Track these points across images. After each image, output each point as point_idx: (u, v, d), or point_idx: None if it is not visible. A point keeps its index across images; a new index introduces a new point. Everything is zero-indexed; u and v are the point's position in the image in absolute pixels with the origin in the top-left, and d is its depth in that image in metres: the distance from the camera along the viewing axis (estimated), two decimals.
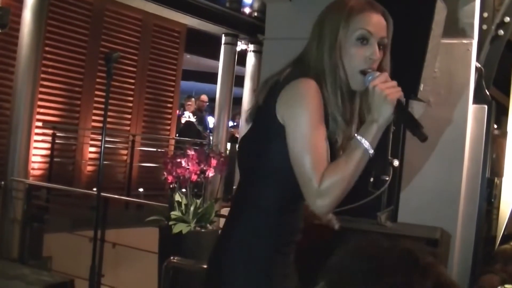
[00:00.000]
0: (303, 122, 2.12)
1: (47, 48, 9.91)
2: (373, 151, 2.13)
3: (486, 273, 3.95)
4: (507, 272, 4.32)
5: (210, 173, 5.27)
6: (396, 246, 1.09)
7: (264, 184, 2.28)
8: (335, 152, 2.22)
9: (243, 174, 2.38)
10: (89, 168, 11.06)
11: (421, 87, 3.39)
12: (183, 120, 13.63)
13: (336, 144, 2.25)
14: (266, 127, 2.25)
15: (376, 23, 2.24)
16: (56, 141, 10.24)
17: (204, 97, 14.04)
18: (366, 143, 2.11)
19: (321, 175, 2.07)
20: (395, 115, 2.12)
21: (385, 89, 2.09)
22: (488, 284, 3.84)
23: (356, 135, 2.15)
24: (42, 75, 9.74)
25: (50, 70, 10.15)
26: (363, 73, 2.20)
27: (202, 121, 13.64)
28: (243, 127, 9.54)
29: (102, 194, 5.81)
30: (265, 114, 2.25)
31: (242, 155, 2.41)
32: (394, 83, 2.13)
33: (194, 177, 5.14)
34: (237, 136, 13.85)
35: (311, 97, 2.15)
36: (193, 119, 13.52)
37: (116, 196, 8.14)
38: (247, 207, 2.31)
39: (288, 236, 2.31)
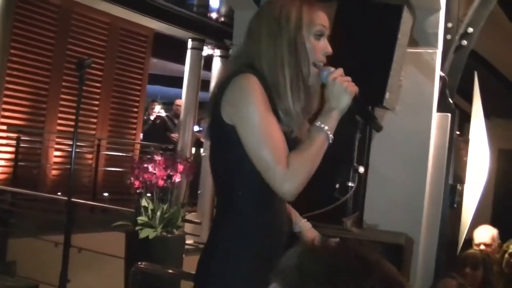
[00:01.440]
0: (252, 116, 2.18)
1: (13, 51, 9.81)
2: (332, 136, 2.25)
3: (446, 277, 4.02)
4: (475, 276, 4.41)
5: (177, 178, 5.28)
6: (343, 247, 1.15)
7: (234, 188, 2.30)
8: (291, 144, 2.26)
9: (216, 184, 2.41)
10: (54, 172, 10.97)
11: (387, 95, 3.45)
12: (152, 117, 13.57)
13: (291, 135, 2.30)
14: (219, 133, 2.30)
15: (325, 19, 2.37)
16: (21, 144, 10.14)
17: (179, 101, 14.03)
18: (326, 128, 2.23)
19: (286, 160, 2.15)
20: (350, 106, 2.28)
21: (345, 82, 2.25)
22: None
23: (316, 122, 2.26)
24: (8, 78, 9.65)
25: (15, 73, 10.04)
26: (316, 67, 2.33)
27: (175, 126, 13.58)
28: None
29: (65, 198, 5.78)
30: (215, 124, 2.29)
31: (212, 169, 2.42)
32: (348, 78, 2.29)
33: (161, 182, 5.16)
34: (203, 140, 13.83)
35: (253, 91, 2.20)
36: (168, 121, 13.50)
37: (84, 201, 8.11)
38: (225, 213, 2.33)
39: (270, 239, 2.32)
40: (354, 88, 2.27)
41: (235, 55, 2.44)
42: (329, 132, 2.24)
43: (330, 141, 2.25)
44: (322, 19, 2.34)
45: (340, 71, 2.29)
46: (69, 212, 5.42)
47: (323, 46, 2.34)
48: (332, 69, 2.30)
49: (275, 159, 2.15)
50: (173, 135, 13.19)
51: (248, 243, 2.30)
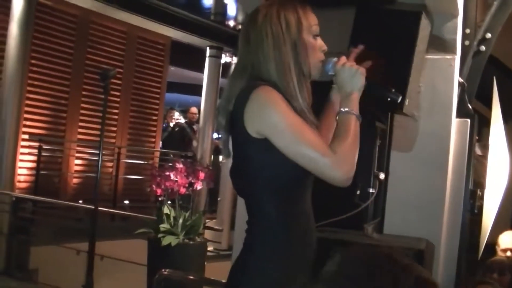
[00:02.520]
0: (281, 122, 2.23)
1: (33, 61, 9.92)
2: (360, 116, 2.37)
3: (482, 283, 4.02)
4: (502, 282, 4.41)
5: (198, 186, 5.32)
6: (378, 253, 1.20)
7: (266, 199, 2.34)
8: None
9: (246, 200, 2.45)
10: (75, 180, 11.06)
11: (407, 101, 3.47)
12: (172, 123, 13.64)
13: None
14: (245, 151, 2.34)
15: (316, 18, 2.49)
16: (42, 153, 10.23)
17: (193, 109, 14.07)
18: (353, 111, 2.35)
19: (329, 149, 2.22)
20: (367, 88, 2.45)
21: (353, 65, 2.41)
22: None
23: (340, 109, 2.38)
24: (28, 88, 9.77)
25: (36, 82, 10.16)
26: (323, 62, 2.47)
27: (194, 132, 13.63)
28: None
29: (90, 206, 5.83)
30: (237, 140, 2.36)
31: (237, 186, 2.49)
32: (353, 61, 2.46)
33: (182, 190, 5.20)
34: (221, 147, 13.86)
35: (274, 100, 2.26)
36: (187, 128, 13.57)
37: (107, 210, 8.15)
38: (254, 225, 2.38)
39: (300, 257, 2.38)
40: (362, 69, 2.42)
41: (240, 67, 2.46)
42: (356, 112, 2.35)
43: (360, 120, 2.37)
44: (315, 20, 2.47)
45: (344, 58, 2.45)
46: (94, 220, 5.47)
47: (321, 44, 2.47)
48: (334, 59, 2.45)
49: (320, 152, 2.21)
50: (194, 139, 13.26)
51: (279, 259, 2.34)
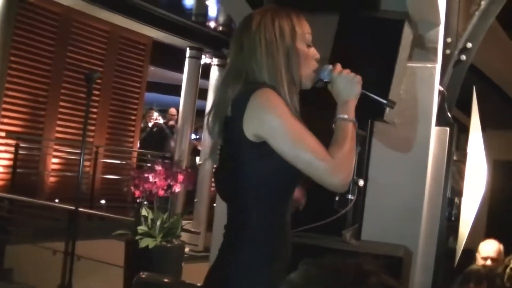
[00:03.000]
0: (281, 125, 2.24)
1: (13, 58, 9.85)
2: (357, 122, 2.42)
3: None
4: None
5: (177, 188, 5.31)
6: (344, 258, 1.23)
7: (250, 206, 2.34)
8: None
9: (229, 203, 2.44)
10: (52, 179, 10.99)
11: (387, 109, 3.48)
12: (150, 124, 13.61)
13: None
14: (240, 155, 2.32)
15: (309, 27, 2.51)
16: (20, 151, 10.15)
17: (172, 110, 14.05)
18: (350, 117, 2.40)
19: (328, 154, 2.23)
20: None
21: (350, 73, 2.47)
22: None
23: (337, 116, 2.41)
24: (7, 85, 9.68)
25: (15, 80, 10.08)
26: (316, 72, 2.50)
27: (173, 133, 13.60)
28: (207, 140, 9.54)
29: (66, 206, 5.79)
30: (233, 144, 2.34)
31: (222, 187, 2.49)
32: (348, 70, 2.49)
33: (161, 192, 5.18)
34: (199, 148, 13.84)
35: (276, 102, 2.27)
36: (166, 128, 13.54)
37: (86, 210, 8.11)
38: (241, 232, 2.36)
39: (281, 265, 2.37)
40: (359, 77, 2.48)
41: (233, 74, 2.43)
42: (353, 119, 2.40)
43: (356, 127, 2.42)
44: (309, 29, 2.49)
45: (340, 65, 2.50)
46: (73, 220, 5.44)
47: (314, 53, 2.50)
48: (330, 66, 2.49)
49: (318, 157, 2.22)
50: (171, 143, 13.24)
51: (266, 262, 2.35)
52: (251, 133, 2.26)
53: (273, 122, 2.24)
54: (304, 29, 2.45)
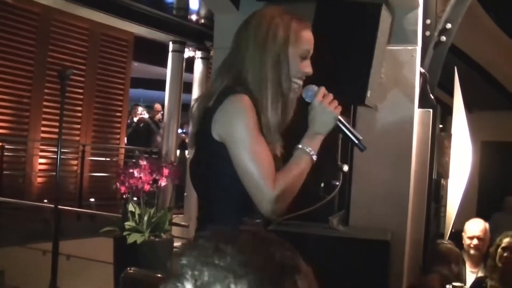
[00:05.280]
0: (242, 136, 2.22)
1: None
2: (316, 157, 2.34)
3: (429, 272, 4.06)
4: (452, 271, 4.45)
5: (163, 182, 5.29)
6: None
7: (220, 202, 2.35)
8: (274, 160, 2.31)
9: (200, 196, 2.46)
10: (40, 180, 10.94)
11: (369, 93, 3.47)
12: (136, 119, 13.58)
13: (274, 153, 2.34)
14: (207, 149, 2.34)
15: (311, 40, 2.43)
16: (5, 153, 10.09)
17: (158, 106, 14.01)
18: (312, 152, 2.32)
19: (273, 182, 2.19)
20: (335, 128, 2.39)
21: (329, 105, 2.34)
22: (429, 283, 3.94)
23: (301, 145, 2.34)
24: None
25: None
26: (293, 81, 2.39)
27: (159, 128, 13.56)
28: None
29: (49, 205, 5.76)
30: (204, 136, 2.33)
31: (193, 179, 2.47)
32: (331, 96, 2.38)
33: (147, 187, 5.16)
34: (187, 141, 13.82)
35: (245, 111, 2.25)
36: (152, 124, 13.52)
37: (70, 208, 8.08)
38: (208, 225, 2.33)
39: None
40: (338, 110, 2.37)
41: (227, 65, 2.43)
42: (313, 154, 2.33)
43: (314, 162, 2.34)
44: (309, 41, 2.41)
45: (323, 90, 2.38)
46: (56, 219, 5.41)
47: (305, 66, 2.41)
48: (315, 88, 2.39)
49: (263, 176, 2.20)
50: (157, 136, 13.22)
51: None
52: (216, 133, 2.27)
53: (235, 127, 2.24)
54: (302, 40, 2.38)
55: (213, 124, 2.26)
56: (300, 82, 2.40)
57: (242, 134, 2.22)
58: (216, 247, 1.10)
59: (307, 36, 2.40)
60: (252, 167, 2.20)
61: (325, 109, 2.35)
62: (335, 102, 2.37)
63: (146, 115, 13.87)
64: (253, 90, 2.31)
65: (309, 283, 1.11)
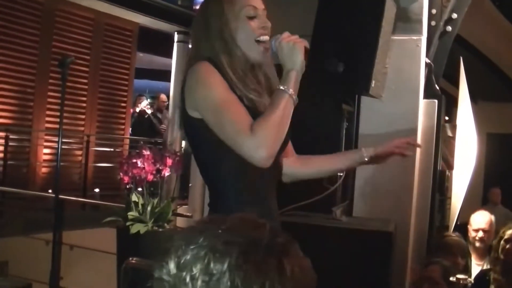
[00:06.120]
0: (210, 95, 2.24)
1: None
2: (296, 97, 2.28)
3: (431, 263, 4.04)
4: (458, 264, 4.43)
5: (166, 172, 5.26)
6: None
7: (219, 181, 2.35)
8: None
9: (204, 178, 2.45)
10: (44, 170, 10.93)
11: (373, 83, 3.45)
12: (138, 109, 13.56)
13: (257, 110, 2.31)
14: (189, 129, 2.37)
15: None
16: (9, 143, 10.08)
17: (163, 97, 13.97)
18: (288, 90, 2.26)
19: (251, 128, 2.17)
20: (307, 62, 2.33)
21: (291, 40, 2.31)
22: (429, 274, 3.92)
23: (278, 86, 2.29)
24: None
25: (1, 71, 9.99)
26: (259, 42, 2.37)
27: (162, 121, 13.55)
28: None
29: (52, 195, 5.74)
30: (183, 115, 2.35)
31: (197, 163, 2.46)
32: (297, 36, 2.34)
33: (150, 177, 5.13)
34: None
35: (208, 73, 2.26)
36: (153, 119, 13.48)
37: (73, 198, 8.06)
38: (214, 205, 2.37)
39: None
40: (302, 43, 2.33)
41: (190, 48, 2.53)
42: (291, 91, 2.26)
43: (295, 101, 2.28)
44: (248, 0, 2.39)
45: (286, 34, 2.35)
46: (58, 209, 5.40)
47: (258, 25, 2.38)
48: (278, 36, 2.36)
49: (240, 129, 2.19)
50: (161, 126, 13.18)
51: None
52: (191, 108, 2.29)
53: (202, 92, 2.25)
54: (239, 4, 2.37)
55: (187, 101, 2.29)
56: (264, 38, 2.37)
57: (209, 93, 2.24)
58: (202, 229, 1.10)
59: None
60: (227, 123, 2.21)
61: (285, 44, 2.31)
62: (298, 39, 2.34)
63: (149, 111, 13.81)
64: (214, 63, 2.30)
65: (300, 270, 1.09)
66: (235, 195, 2.31)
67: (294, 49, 2.30)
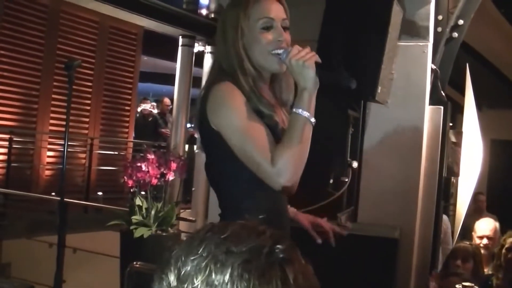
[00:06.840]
0: (232, 120, 2.23)
1: (2, 52, 9.78)
2: (314, 119, 2.24)
3: (451, 275, 4.01)
4: (465, 269, 4.41)
5: (170, 176, 5.25)
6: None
7: (234, 196, 2.35)
8: (279, 135, 2.27)
9: (214, 189, 2.46)
10: (47, 172, 10.93)
11: (379, 89, 3.44)
12: (140, 109, 13.59)
13: (277, 127, 2.30)
14: (209, 140, 2.35)
15: (274, 8, 2.36)
16: (13, 145, 10.09)
17: (167, 101, 13.99)
18: (304, 112, 2.21)
19: (272, 157, 2.16)
20: (319, 77, 2.23)
21: (301, 58, 2.21)
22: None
23: (294, 109, 2.25)
24: None
25: (5, 74, 9.99)
26: (276, 54, 2.32)
27: (166, 124, 13.57)
28: None
29: (57, 198, 5.74)
30: (203, 127, 2.33)
31: (207, 174, 2.47)
32: (307, 49, 2.26)
33: (154, 181, 5.12)
34: (196, 136, 13.80)
35: (231, 96, 2.25)
36: (159, 119, 13.53)
37: (76, 201, 8.07)
38: (229, 215, 2.34)
39: None
40: (313, 59, 2.23)
41: (214, 58, 2.50)
42: (306, 114, 2.21)
43: (313, 123, 2.24)
44: (265, 11, 2.35)
45: (295, 48, 2.25)
46: (62, 212, 5.39)
47: (273, 37, 2.33)
48: (288, 49, 2.29)
49: (263, 157, 2.17)
50: (164, 130, 13.20)
51: None
52: (214, 125, 2.27)
53: (227, 116, 2.24)
54: (254, 16, 2.33)
55: (208, 116, 2.27)
56: (278, 52, 2.31)
57: (231, 118, 2.23)
58: (202, 238, 1.08)
59: (263, 7, 2.34)
60: (248, 148, 2.20)
61: (296, 62, 2.22)
62: (309, 53, 2.24)
63: (155, 110, 13.85)
64: (231, 79, 2.29)
65: (304, 278, 1.08)
66: (252, 205, 2.30)
67: (304, 67, 2.21)
